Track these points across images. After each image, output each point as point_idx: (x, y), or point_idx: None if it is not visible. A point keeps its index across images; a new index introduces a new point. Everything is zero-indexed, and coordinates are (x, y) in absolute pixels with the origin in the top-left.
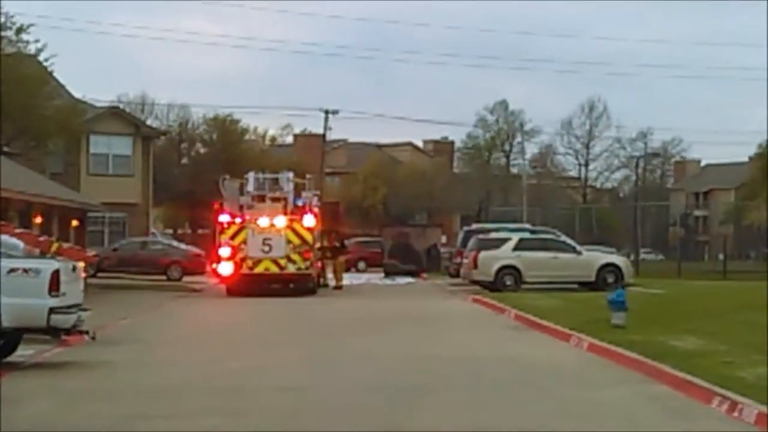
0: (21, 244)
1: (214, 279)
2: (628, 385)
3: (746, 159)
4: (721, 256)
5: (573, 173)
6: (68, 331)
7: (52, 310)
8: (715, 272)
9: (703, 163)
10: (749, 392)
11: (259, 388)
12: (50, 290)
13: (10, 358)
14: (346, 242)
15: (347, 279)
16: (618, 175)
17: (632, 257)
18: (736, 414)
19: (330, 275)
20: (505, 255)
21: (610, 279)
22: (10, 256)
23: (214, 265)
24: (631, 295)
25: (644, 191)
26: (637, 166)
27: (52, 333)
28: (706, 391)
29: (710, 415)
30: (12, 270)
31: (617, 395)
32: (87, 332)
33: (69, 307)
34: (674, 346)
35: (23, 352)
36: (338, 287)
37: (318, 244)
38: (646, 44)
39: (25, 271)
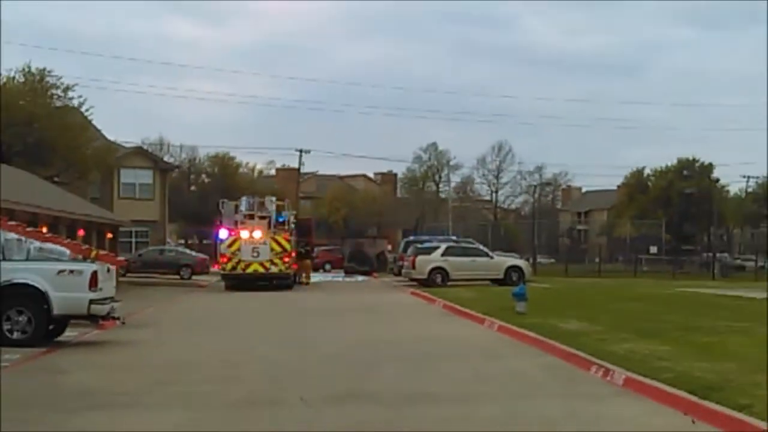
0: (67, 251)
1: (216, 277)
2: (528, 357)
3: (615, 187)
4: (597, 260)
5: (487, 197)
6: (104, 318)
7: (91, 302)
8: (592, 272)
9: (583, 190)
10: (619, 362)
11: (248, 361)
12: (90, 286)
13: (60, 338)
14: (315, 250)
15: (316, 277)
16: (520, 198)
17: (531, 260)
18: (609, 378)
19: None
20: (436, 259)
21: (515, 277)
22: (59, 260)
23: (216, 268)
24: (530, 289)
25: (540, 211)
26: (534, 192)
27: (92, 319)
28: (587, 361)
29: (590, 379)
30: (61, 271)
31: (520, 364)
32: (118, 318)
33: (104, 299)
34: (562, 327)
35: (69, 334)
36: (305, 283)
37: (294, 252)
38: (540, 102)
39: (71, 272)
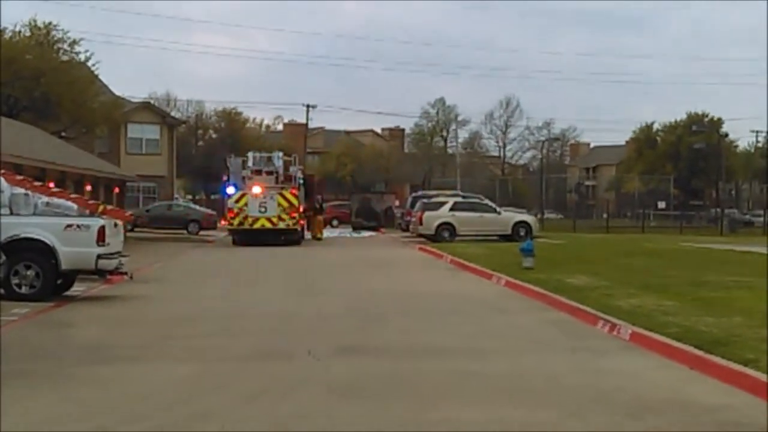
0: (75, 206)
1: (223, 232)
2: (535, 312)
3: (624, 143)
4: (605, 215)
5: (494, 153)
6: (111, 272)
7: (99, 257)
8: (600, 227)
9: (591, 146)
10: (625, 317)
11: (256, 315)
12: (98, 241)
13: (68, 293)
14: (324, 205)
15: (324, 233)
16: (528, 154)
17: (539, 216)
18: (615, 333)
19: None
20: (444, 214)
21: (522, 232)
22: (66, 215)
23: (223, 223)
24: (537, 245)
25: (548, 166)
26: (542, 147)
27: (100, 274)
28: (593, 316)
29: (596, 334)
30: (68, 226)
31: (526, 319)
32: (126, 273)
33: (112, 254)
34: (569, 282)
35: (77, 288)
36: (318, 238)
37: (302, 206)
38: (548, 56)
39: (78, 227)
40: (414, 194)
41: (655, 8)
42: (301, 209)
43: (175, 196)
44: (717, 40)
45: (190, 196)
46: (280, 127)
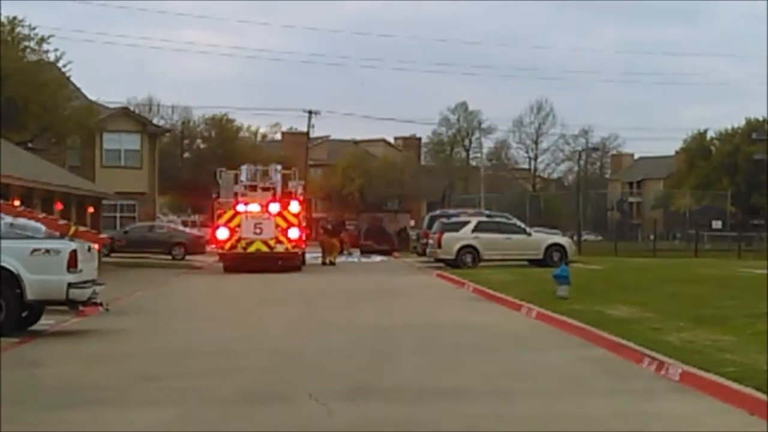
0: (43, 227)
1: (213, 257)
2: (571, 348)
3: (673, 153)
4: (651, 237)
5: (524, 165)
6: (84, 303)
7: (70, 285)
8: (646, 251)
9: (636, 157)
10: (675, 354)
11: (248, 352)
12: (69, 267)
13: (35, 327)
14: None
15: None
16: (563, 166)
17: (575, 238)
18: (663, 372)
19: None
20: (465, 236)
21: (556, 257)
22: (33, 238)
23: (213, 246)
24: (573, 271)
25: (585, 181)
26: (579, 158)
27: (71, 305)
28: (637, 353)
29: (641, 374)
30: (35, 250)
31: (561, 357)
32: (101, 304)
33: (85, 282)
34: (610, 314)
35: (45, 321)
36: (327, 263)
37: (303, 228)
38: (586, 53)
39: (47, 251)
40: (432, 213)
41: None
42: (303, 230)
43: (158, 215)
44: None
45: (174, 216)
46: (278, 136)
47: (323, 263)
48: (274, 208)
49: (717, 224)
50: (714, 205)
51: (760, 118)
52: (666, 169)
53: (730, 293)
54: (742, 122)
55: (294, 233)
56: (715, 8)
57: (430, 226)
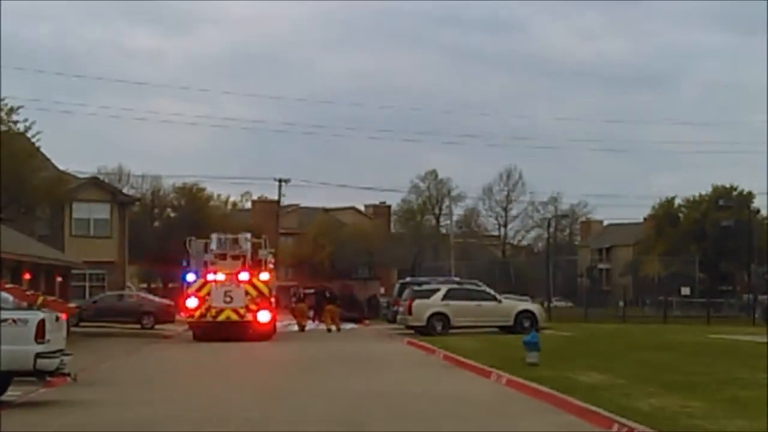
0: (10, 297)
1: (182, 326)
2: (541, 415)
3: (641, 220)
4: (621, 303)
5: (494, 232)
6: (52, 374)
7: (38, 355)
8: (616, 317)
9: (605, 223)
10: (645, 420)
11: (217, 422)
12: (36, 338)
13: (2, 398)
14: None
15: (292, 327)
16: (533, 233)
17: (545, 304)
18: None
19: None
20: (436, 303)
21: (526, 323)
22: (0, 308)
23: (182, 315)
24: (543, 337)
25: (555, 247)
26: (548, 226)
27: (38, 375)
28: (607, 420)
29: None
30: (2, 320)
31: (531, 424)
32: (69, 374)
33: (53, 352)
34: (580, 380)
35: (12, 392)
36: (330, 329)
37: (273, 297)
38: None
39: (14, 321)
40: (402, 280)
41: (675, 66)
42: (273, 299)
43: (127, 284)
44: (746, 102)
45: (144, 285)
46: (248, 204)
47: (300, 330)
48: (244, 276)
49: (686, 291)
50: (682, 271)
51: (728, 185)
52: (635, 236)
53: (700, 360)
54: (709, 189)
55: (264, 301)
56: (682, 74)
57: (400, 294)
